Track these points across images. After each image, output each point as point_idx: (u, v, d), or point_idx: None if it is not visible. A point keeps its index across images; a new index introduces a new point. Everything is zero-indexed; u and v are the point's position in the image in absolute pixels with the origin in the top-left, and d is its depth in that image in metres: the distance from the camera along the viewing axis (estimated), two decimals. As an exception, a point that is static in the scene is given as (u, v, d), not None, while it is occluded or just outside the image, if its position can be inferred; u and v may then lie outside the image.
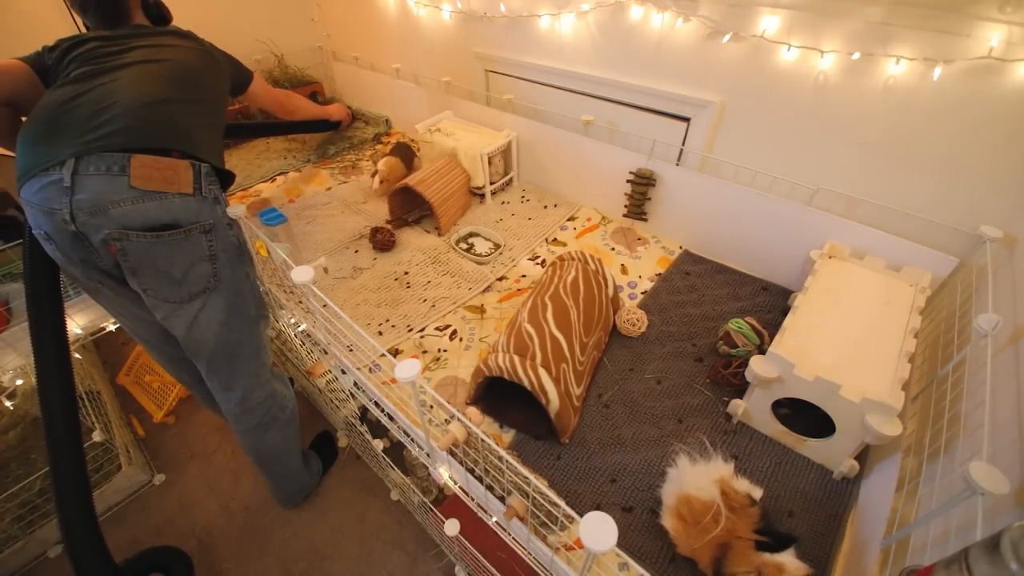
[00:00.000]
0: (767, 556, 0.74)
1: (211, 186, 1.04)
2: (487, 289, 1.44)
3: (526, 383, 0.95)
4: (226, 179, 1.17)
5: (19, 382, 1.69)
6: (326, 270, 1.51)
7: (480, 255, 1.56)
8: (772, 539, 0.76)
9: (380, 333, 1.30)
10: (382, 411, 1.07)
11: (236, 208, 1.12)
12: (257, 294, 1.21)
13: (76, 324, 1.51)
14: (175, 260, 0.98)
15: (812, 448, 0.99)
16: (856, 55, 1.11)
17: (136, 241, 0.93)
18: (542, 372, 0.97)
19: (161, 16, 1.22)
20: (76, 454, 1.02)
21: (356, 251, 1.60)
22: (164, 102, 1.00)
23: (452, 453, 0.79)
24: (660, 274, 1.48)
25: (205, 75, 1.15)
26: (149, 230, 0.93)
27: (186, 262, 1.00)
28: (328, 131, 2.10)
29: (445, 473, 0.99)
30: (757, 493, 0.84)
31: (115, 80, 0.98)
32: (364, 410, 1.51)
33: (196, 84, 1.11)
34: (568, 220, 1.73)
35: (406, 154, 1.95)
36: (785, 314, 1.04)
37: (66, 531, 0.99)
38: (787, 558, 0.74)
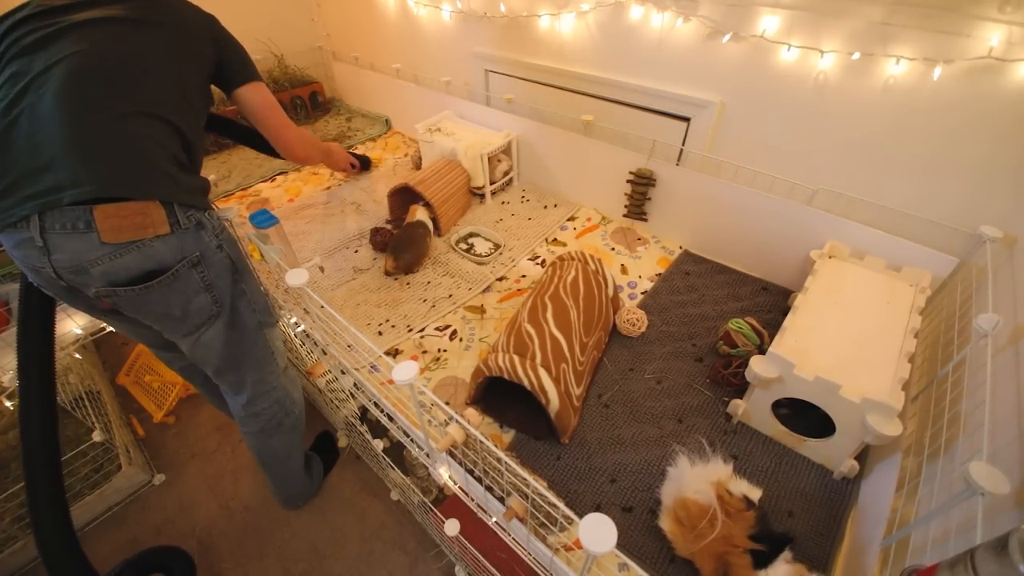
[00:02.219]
0: (763, 573, 0.73)
1: (190, 213, 0.91)
2: (487, 289, 1.44)
3: (526, 383, 0.95)
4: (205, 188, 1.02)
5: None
6: (322, 269, 1.51)
7: (480, 255, 1.56)
8: (768, 542, 0.76)
9: (380, 333, 1.30)
10: (382, 411, 1.07)
11: (229, 211, 1.12)
12: (259, 304, 1.16)
13: (76, 324, 1.51)
14: (171, 301, 0.93)
15: (812, 448, 0.99)
16: (856, 55, 1.10)
17: (125, 295, 0.88)
18: (542, 372, 0.97)
19: None
20: (55, 480, 1.01)
21: (356, 251, 1.60)
22: (108, 129, 0.82)
23: (451, 454, 0.79)
24: (660, 274, 1.48)
25: (163, 59, 0.92)
26: (135, 283, 0.87)
27: (182, 300, 0.95)
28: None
29: (445, 473, 0.99)
30: (756, 494, 0.84)
31: (41, 95, 0.80)
32: (364, 410, 1.51)
33: (145, 76, 0.89)
34: (568, 220, 1.73)
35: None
36: (785, 314, 1.04)
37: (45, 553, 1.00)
38: (782, 569, 0.73)
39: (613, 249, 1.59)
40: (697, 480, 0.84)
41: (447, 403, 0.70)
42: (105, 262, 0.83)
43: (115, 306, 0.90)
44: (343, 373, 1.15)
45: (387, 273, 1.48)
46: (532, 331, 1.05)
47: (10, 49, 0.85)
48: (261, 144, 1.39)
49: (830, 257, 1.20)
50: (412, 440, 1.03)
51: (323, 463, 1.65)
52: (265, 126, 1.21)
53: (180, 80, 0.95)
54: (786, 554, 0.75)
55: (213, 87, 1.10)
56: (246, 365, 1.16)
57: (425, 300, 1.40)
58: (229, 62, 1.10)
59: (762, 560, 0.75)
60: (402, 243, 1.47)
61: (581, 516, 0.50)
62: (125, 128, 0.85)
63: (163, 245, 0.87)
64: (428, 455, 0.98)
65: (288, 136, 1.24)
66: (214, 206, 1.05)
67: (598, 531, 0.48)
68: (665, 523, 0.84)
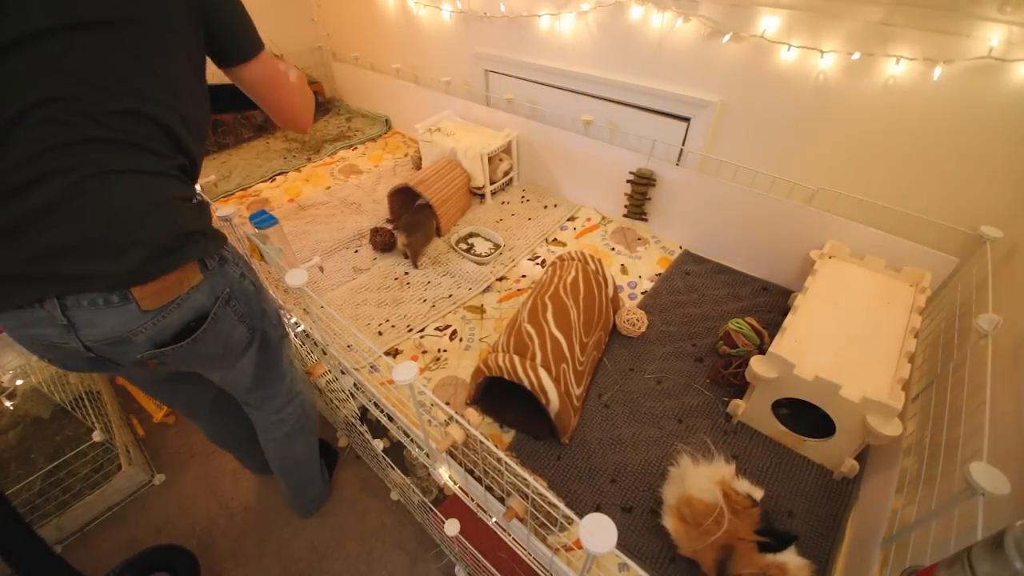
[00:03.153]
0: (770, 557, 0.74)
1: (210, 247, 0.82)
2: (487, 289, 1.44)
3: (526, 383, 0.95)
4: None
5: (19, 382, 1.69)
6: (321, 269, 1.51)
7: (480, 255, 1.56)
8: (773, 539, 0.76)
9: (380, 333, 1.30)
10: (382, 411, 1.07)
11: (228, 209, 1.12)
12: (276, 317, 1.10)
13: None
14: (214, 343, 0.89)
15: (812, 448, 0.99)
16: (856, 55, 1.10)
17: (173, 353, 0.82)
18: (542, 372, 0.96)
19: None
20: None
21: (356, 251, 1.60)
22: (124, 195, 0.67)
23: (451, 454, 0.79)
24: (660, 274, 1.48)
25: (142, 67, 0.69)
26: (182, 339, 0.81)
27: (223, 338, 0.91)
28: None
29: (445, 473, 0.99)
30: (758, 494, 0.84)
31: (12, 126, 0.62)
32: (364, 410, 1.51)
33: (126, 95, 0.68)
34: (568, 220, 1.73)
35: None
36: (785, 314, 1.04)
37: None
38: (789, 557, 0.74)
39: (613, 249, 1.58)
40: (701, 479, 0.85)
41: (447, 403, 0.70)
42: (149, 328, 0.76)
43: (160, 366, 0.85)
44: (343, 373, 1.15)
45: (402, 249, 1.54)
46: (532, 331, 1.05)
47: None
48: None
49: (830, 257, 1.20)
50: (412, 440, 1.03)
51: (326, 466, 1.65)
52: (266, 103, 0.98)
53: (170, 82, 0.74)
54: (794, 549, 0.75)
55: None
56: (274, 380, 1.14)
57: (425, 300, 1.40)
58: (220, 37, 0.83)
59: (769, 551, 0.75)
60: (412, 224, 1.54)
61: (581, 516, 0.50)
62: (153, 186, 0.71)
63: (199, 294, 0.82)
64: (428, 455, 0.98)
65: (291, 113, 1.00)
66: (214, 206, 1.03)
67: (598, 531, 0.48)
68: (669, 522, 0.84)
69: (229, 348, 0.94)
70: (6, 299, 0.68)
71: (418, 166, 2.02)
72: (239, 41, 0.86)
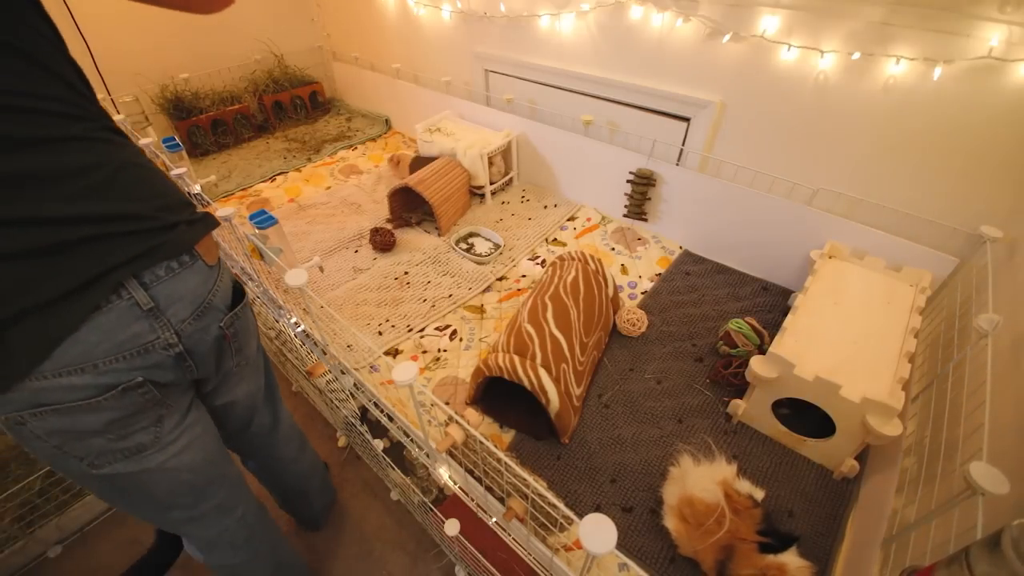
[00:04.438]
0: (771, 558, 0.74)
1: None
2: (487, 289, 1.44)
3: (526, 383, 0.95)
4: None
5: (19, 382, 1.68)
6: (321, 269, 1.51)
7: (480, 255, 1.56)
8: (774, 539, 0.76)
9: (380, 333, 1.30)
10: (382, 411, 1.07)
11: (228, 210, 1.11)
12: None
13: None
14: (250, 314, 0.88)
15: (812, 448, 0.99)
16: (856, 55, 1.10)
17: (242, 314, 0.80)
18: (542, 372, 0.96)
19: None
20: None
21: (356, 251, 1.60)
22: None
23: (451, 454, 0.79)
24: (660, 274, 1.48)
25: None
26: (237, 302, 0.80)
27: (250, 314, 0.89)
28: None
29: (445, 473, 0.99)
30: (759, 494, 0.84)
31: None
32: (364, 410, 1.51)
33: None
34: (568, 220, 1.73)
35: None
36: (785, 314, 1.04)
37: None
38: (790, 558, 0.74)
39: (613, 249, 1.58)
40: (702, 479, 0.85)
41: (447, 403, 0.70)
42: (219, 287, 0.74)
43: (234, 339, 0.81)
44: (343, 373, 1.15)
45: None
46: (532, 331, 1.05)
47: None
48: None
49: (830, 257, 1.20)
50: (412, 440, 1.03)
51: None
52: None
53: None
54: (794, 550, 0.75)
55: None
56: (275, 391, 1.10)
57: (425, 300, 1.40)
58: None
59: (770, 551, 0.75)
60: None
61: (581, 516, 0.50)
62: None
63: (224, 257, 0.81)
64: (428, 455, 0.98)
65: None
66: (213, 206, 1.02)
67: (598, 531, 0.48)
68: (670, 522, 0.84)
69: (252, 329, 0.90)
70: (85, 302, 0.57)
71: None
72: None
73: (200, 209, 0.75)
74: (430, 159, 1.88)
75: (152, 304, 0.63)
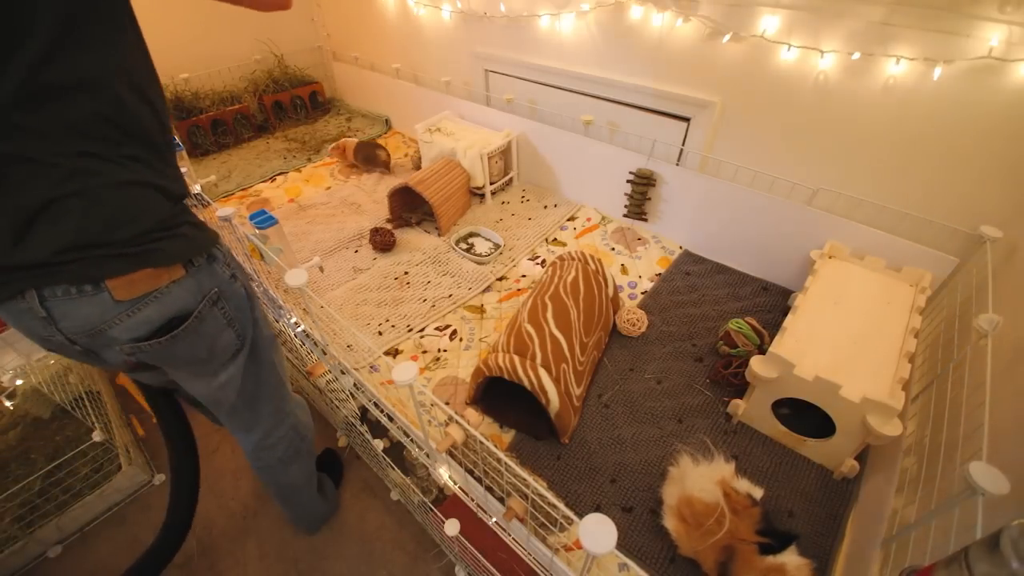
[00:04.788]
0: (771, 560, 0.74)
1: (197, 242, 0.81)
2: (487, 289, 1.44)
3: (526, 383, 0.95)
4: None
5: (19, 382, 1.68)
6: (321, 269, 1.51)
7: (480, 255, 1.56)
8: (773, 539, 0.76)
9: (380, 333, 1.30)
10: (382, 411, 1.07)
11: (228, 210, 1.12)
12: (267, 326, 1.06)
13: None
14: (198, 345, 0.87)
15: (812, 448, 0.99)
16: (856, 55, 1.10)
17: (151, 349, 0.80)
18: (542, 372, 0.96)
19: None
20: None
21: (356, 251, 1.60)
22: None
23: (451, 454, 0.79)
24: (660, 274, 1.48)
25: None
26: (160, 335, 0.79)
27: (209, 341, 0.88)
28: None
29: (445, 473, 0.99)
30: (758, 493, 0.84)
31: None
32: (364, 410, 1.51)
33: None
34: (568, 220, 1.73)
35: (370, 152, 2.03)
36: (785, 314, 1.04)
37: None
38: (789, 557, 0.74)
39: (613, 249, 1.58)
40: (701, 479, 0.85)
41: (447, 403, 0.70)
42: (124, 320, 0.75)
43: (139, 360, 0.83)
44: (343, 373, 1.15)
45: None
46: (532, 331, 1.05)
47: None
48: None
49: (830, 257, 1.20)
50: (412, 440, 1.03)
51: (332, 479, 1.59)
52: None
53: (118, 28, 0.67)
54: (793, 548, 0.75)
55: None
56: (262, 398, 1.08)
57: (425, 300, 1.40)
58: None
59: (770, 552, 0.75)
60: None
61: (581, 516, 0.50)
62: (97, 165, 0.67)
63: (181, 289, 0.80)
64: (428, 455, 0.98)
65: None
66: (214, 206, 1.02)
67: (598, 531, 0.48)
68: (669, 522, 0.84)
69: (215, 354, 0.91)
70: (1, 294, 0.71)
71: (418, 166, 2.02)
72: None
73: (189, 230, 0.79)
74: (373, 143, 2.04)
75: (45, 314, 0.72)
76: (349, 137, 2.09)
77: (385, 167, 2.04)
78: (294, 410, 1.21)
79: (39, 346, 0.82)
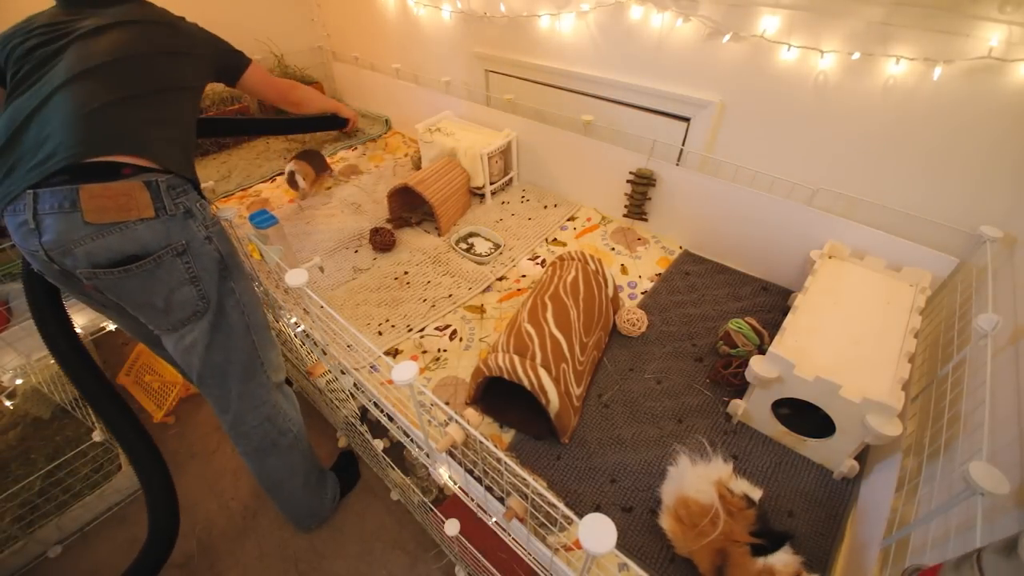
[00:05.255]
0: (762, 562, 0.74)
1: (179, 199, 0.92)
2: (487, 289, 1.44)
3: (526, 383, 0.95)
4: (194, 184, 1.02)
5: (19, 382, 1.69)
6: (321, 269, 1.51)
7: (480, 255, 1.56)
8: (768, 539, 0.76)
9: (380, 333, 1.30)
10: (382, 411, 1.07)
11: (229, 211, 1.11)
12: (250, 307, 1.10)
13: (76, 324, 1.50)
14: (153, 290, 0.92)
15: (812, 448, 0.99)
16: (856, 55, 1.10)
17: (105, 278, 0.87)
18: (542, 372, 0.96)
19: None
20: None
21: (356, 251, 1.60)
22: (101, 108, 0.88)
23: (451, 454, 0.79)
24: (660, 274, 1.48)
25: (158, 60, 0.99)
26: (116, 265, 0.87)
27: (164, 290, 0.93)
28: (332, 130, 1.81)
29: (445, 473, 0.99)
30: (757, 494, 0.84)
31: (47, 87, 0.88)
32: (364, 410, 1.51)
33: (144, 72, 0.96)
34: (568, 220, 1.73)
35: (315, 161, 1.93)
36: (785, 314, 1.04)
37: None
38: (780, 557, 0.74)
39: (613, 249, 1.59)
40: (698, 479, 0.84)
41: (447, 403, 0.70)
42: (88, 242, 0.84)
43: (97, 289, 0.90)
44: (343, 373, 1.15)
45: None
46: (532, 331, 1.05)
47: (22, 52, 0.94)
48: (301, 124, 1.74)
49: (830, 257, 1.20)
50: (412, 440, 1.03)
51: (342, 484, 1.58)
52: (283, 95, 1.51)
53: (182, 79, 1.04)
54: (786, 548, 0.75)
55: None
56: (231, 375, 1.09)
57: (425, 300, 1.40)
58: (223, 59, 1.24)
59: (761, 553, 0.75)
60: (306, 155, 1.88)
61: (581, 516, 0.50)
62: (125, 111, 0.91)
63: (147, 229, 0.88)
64: (428, 455, 0.98)
65: (306, 91, 1.56)
66: (214, 206, 1.04)
67: (598, 531, 0.48)
68: (665, 522, 0.84)
69: (172, 306, 0.96)
70: (5, 194, 0.84)
71: (418, 166, 2.02)
72: (230, 62, 1.29)
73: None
74: (311, 152, 1.96)
75: (35, 226, 0.83)
76: (287, 164, 1.87)
77: (329, 170, 2.00)
78: (275, 401, 1.21)
79: (33, 264, 0.93)
